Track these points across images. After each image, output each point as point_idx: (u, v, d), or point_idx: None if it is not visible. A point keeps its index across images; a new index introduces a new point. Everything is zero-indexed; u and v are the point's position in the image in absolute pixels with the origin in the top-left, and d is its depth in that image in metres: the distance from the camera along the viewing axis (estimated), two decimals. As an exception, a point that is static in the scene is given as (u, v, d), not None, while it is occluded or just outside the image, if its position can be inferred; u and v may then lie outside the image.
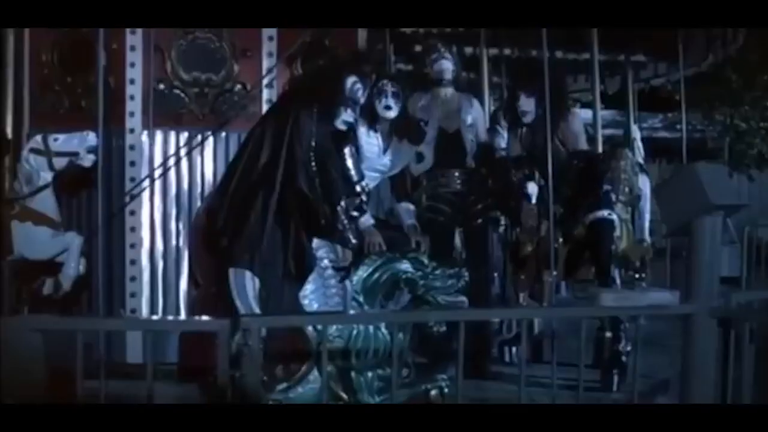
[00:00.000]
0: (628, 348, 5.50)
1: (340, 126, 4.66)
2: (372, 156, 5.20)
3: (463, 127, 5.86)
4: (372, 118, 5.20)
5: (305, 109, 4.55)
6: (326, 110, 4.61)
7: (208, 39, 5.81)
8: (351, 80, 4.64)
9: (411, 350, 4.63)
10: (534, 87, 5.68)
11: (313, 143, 4.50)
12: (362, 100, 4.71)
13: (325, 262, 4.48)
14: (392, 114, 5.19)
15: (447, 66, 5.82)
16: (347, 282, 4.50)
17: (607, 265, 5.76)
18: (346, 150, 4.77)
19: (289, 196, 4.43)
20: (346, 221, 4.52)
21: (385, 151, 5.27)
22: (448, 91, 5.89)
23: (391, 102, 5.17)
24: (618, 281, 5.93)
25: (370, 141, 5.21)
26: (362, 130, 5.19)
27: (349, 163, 4.75)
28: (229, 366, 3.14)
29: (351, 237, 4.55)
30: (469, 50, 7.54)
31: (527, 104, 5.82)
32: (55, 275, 5.42)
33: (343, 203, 4.52)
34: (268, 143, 4.53)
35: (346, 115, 4.65)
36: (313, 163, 4.48)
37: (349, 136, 4.97)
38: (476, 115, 5.97)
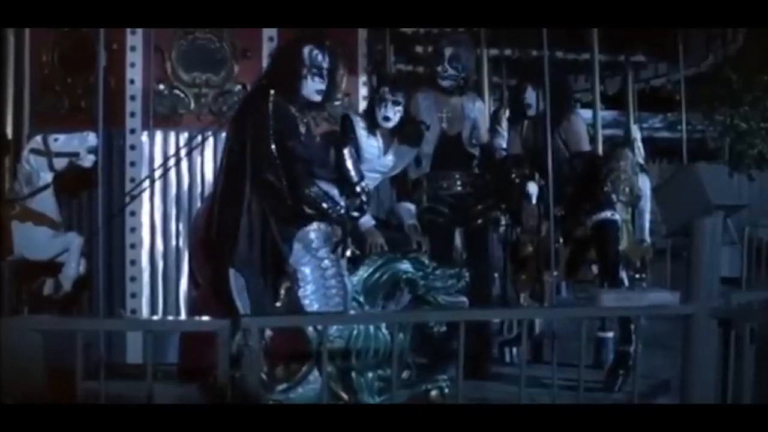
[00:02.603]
0: (639, 350, 5.48)
1: (314, 97, 4.54)
2: (373, 157, 5.20)
3: (464, 131, 5.85)
4: (372, 123, 5.20)
5: (262, 96, 4.50)
6: (287, 88, 4.48)
7: (208, 39, 5.82)
8: (307, 49, 4.51)
9: (411, 350, 4.62)
10: (541, 81, 5.65)
11: (271, 130, 4.43)
12: (326, 66, 4.51)
13: (326, 262, 4.47)
14: (390, 125, 5.17)
15: (450, 76, 5.77)
16: (347, 282, 4.49)
17: (615, 266, 5.75)
18: (346, 151, 4.75)
19: (259, 189, 4.39)
20: (322, 202, 4.45)
21: (385, 151, 5.26)
22: (453, 96, 5.87)
23: (389, 113, 5.14)
24: (626, 282, 5.93)
25: (371, 142, 5.20)
26: (363, 132, 5.18)
27: (349, 163, 4.73)
28: (229, 366, 3.14)
29: (332, 212, 4.48)
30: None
31: (532, 97, 5.80)
32: (55, 275, 5.43)
33: (314, 188, 4.44)
34: (237, 139, 4.51)
35: (315, 84, 4.51)
36: (273, 147, 4.43)
37: (348, 135, 4.98)
38: (479, 115, 5.95)
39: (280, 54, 4.80)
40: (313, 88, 4.52)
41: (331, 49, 4.57)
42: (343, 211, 4.49)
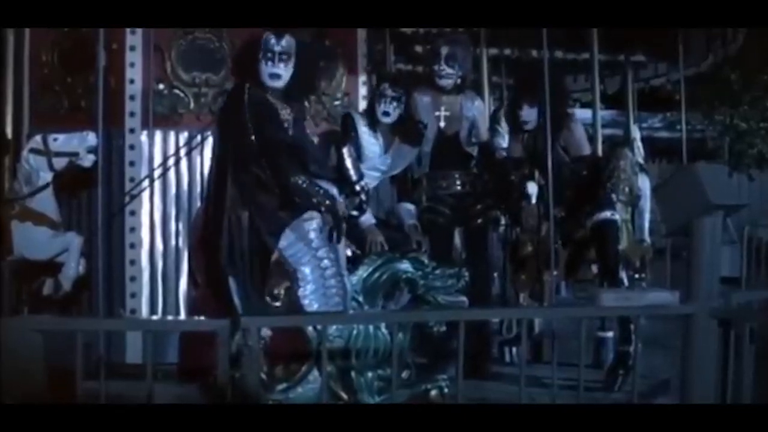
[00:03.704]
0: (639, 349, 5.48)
1: (272, 82, 4.55)
2: (374, 155, 5.21)
3: (462, 130, 5.85)
4: (372, 121, 5.21)
5: (239, 90, 4.55)
6: (249, 75, 4.55)
7: (208, 39, 5.81)
8: (264, 35, 4.56)
9: (411, 350, 4.63)
10: (536, 97, 5.66)
11: (249, 123, 4.43)
12: (277, 48, 4.54)
13: (325, 262, 4.47)
14: (389, 120, 5.20)
15: (448, 75, 5.77)
16: (347, 281, 4.49)
17: (615, 265, 5.76)
18: (345, 150, 4.77)
19: (245, 181, 4.40)
20: (310, 191, 4.45)
21: (386, 150, 5.27)
22: (450, 95, 5.87)
23: (389, 108, 5.17)
24: (626, 282, 5.94)
25: (372, 141, 5.21)
26: (363, 130, 5.19)
27: (348, 162, 4.74)
28: (229, 366, 3.14)
29: (319, 199, 4.48)
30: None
31: (529, 114, 5.81)
32: (55, 275, 5.42)
33: (301, 178, 4.44)
34: (221, 136, 4.53)
35: (268, 68, 4.53)
36: (253, 137, 4.42)
37: (349, 134, 4.99)
38: (478, 114, 5.96)
39: (242, 44, 4.84)
40: (266, 72, 4.53)
41: (296, 38, 4.58)
42: (329, 202, 4.46)
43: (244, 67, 4.61)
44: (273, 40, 4.54)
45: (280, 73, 4.56)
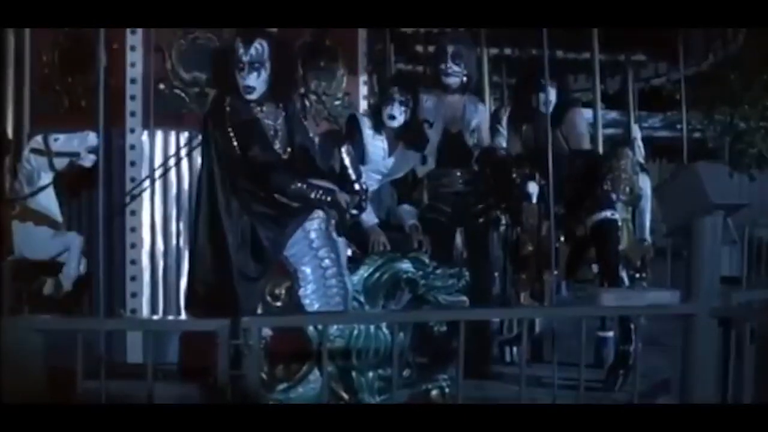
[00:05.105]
0: (639, 349, 5.47)
1: (246, 95, 4.46)
2: (377, 158, 5.20)
3: (466, 129, 5.86)
4: (377, 123, 5.19)
5: (219, 104, 4.50)
6: (231, 86, 4.46)
7: (208, 39, 5.81)
8: (236, 46, 4.46)
9: (412, 350, 4.63)
10: (554, 79, 5.67)
11: (235, 141, 4.39)
12: (246, 58, 4.40)
13: (326, 262, 4.47)
14: (395, 124, 5.16)
15: (454, 73, 5.78)
16: (348, 281, 4.49)
17: (615, 265, 5.76)
18: (344, 148, 4.76)
19: (242, 196, 4.40)
20: (310, 193, 4.43)
21: (390, 153, 5.26)
22: (455, 95, 5.88)
23: (395, 112, 5.13)
24: (626, 281, 5.93)
25: (376, 144, 5.20)
26: (368, 132, 5.18)
27: (347, 161, 4.73)
28: (229, 366, 3.14)
29: (320, 198, 4.45)
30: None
31: (551, 94, 5.81)
32: (55, 275, 5.43)
33: (297, 184, 4.39)
34: (206, 151, 4.51)
35: (242, 80, 4.42)
36: (236, 144, 4.38)
37: (351, 134, 4.97)
38: (481, 120, 5.98)
39: (215, 52, 4.78)
40: (240, 84, 4.46)
41: (269, 40, 4.47)
42: (331, 198, 4.45)
43: (221, 77, 4.52)
44: (241, 50, 4.43)
45: (252, 85, 4.44)
